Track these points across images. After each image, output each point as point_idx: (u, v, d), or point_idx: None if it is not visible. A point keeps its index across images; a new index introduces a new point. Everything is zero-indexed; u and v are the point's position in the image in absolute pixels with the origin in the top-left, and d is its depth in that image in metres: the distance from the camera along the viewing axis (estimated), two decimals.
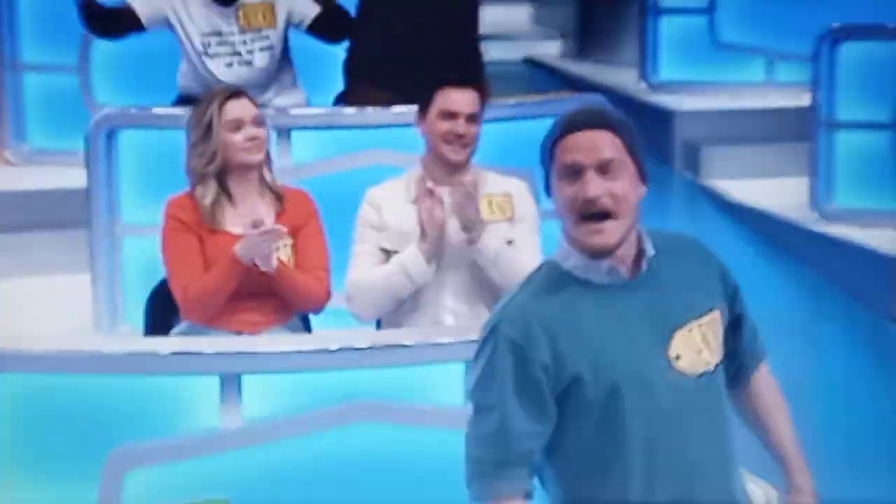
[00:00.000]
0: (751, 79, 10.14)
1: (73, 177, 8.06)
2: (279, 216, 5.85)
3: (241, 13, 8.64)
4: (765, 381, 3.64)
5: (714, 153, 9.60)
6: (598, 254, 3.38)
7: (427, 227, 5.38)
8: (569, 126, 3.40)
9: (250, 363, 4.92)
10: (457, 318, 5.54)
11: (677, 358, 3.37)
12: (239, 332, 5.71)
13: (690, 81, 10.17)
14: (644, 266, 3.42)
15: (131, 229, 7.29)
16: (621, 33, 10.82)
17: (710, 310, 3.44)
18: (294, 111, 7.64)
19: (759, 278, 8.53)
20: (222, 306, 5.90)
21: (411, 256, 5.42)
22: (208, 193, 6.03)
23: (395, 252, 5.52)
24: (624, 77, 10.52)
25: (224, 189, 6.10)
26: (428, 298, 5.57)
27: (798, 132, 8.52)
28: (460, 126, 5.40)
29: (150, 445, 4.70)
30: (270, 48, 8.81)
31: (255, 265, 5.72)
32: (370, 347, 4.99)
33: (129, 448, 4.62)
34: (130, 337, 6.74)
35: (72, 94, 9.29)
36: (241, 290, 5.88)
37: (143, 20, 8.06)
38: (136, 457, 4.64)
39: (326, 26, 8.75)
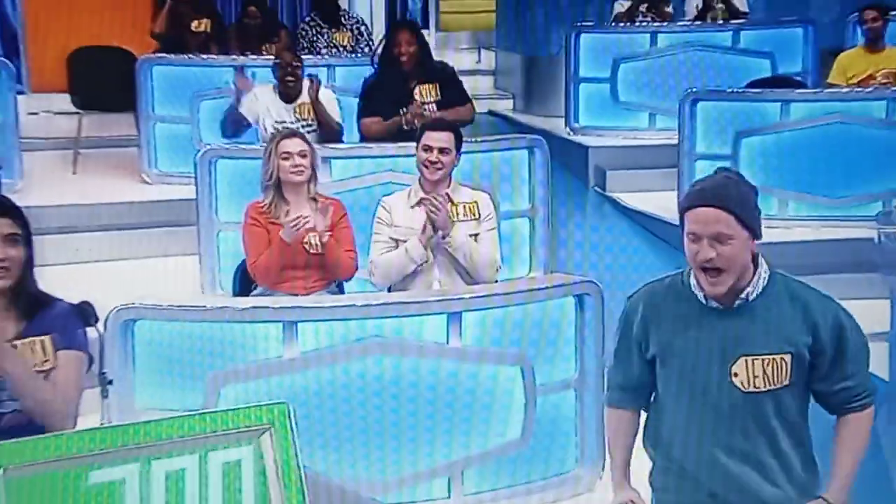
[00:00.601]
0: (639, 126, 10.00)
1: (185, 191, 7.87)
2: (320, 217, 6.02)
3: (297, 109, 8.70)
4: (852, 422, 3.27)
5: (616, 174, 9.48)
6: (718, 300, 3.25)
7: (432, 222, 5.50)
8: (693, 201, 3.24)
9: (303, 314, 5.07)
10: (441, 286, 5.62)
11: (735, 375, 3.23)
12: (294, 294, 5.83)
13: (599, 127, 10.04)
14: (737, 302, 3.24)
15: (224, 226, 7.25)
16: (553, 94, 10.64)
17: (782, 353, 3.21)
18: (332, 147, 7.57)
19: (648, 261, 8.16)
20: (281, 275, 6.02)
21: (413, 245, 5.56)
22: (269, 199, 6.18)
23: (402, 241, 5.65)
24: (555, 124, 10.37)
25: (282, 197, 6.18)
26: (423, 272, 5.66)
27: (671, 161, 8.40)
28: (433, 155, 5.56)
29: (236, 369, 4.95)
30: (315, 130, 8.90)
31: (304, 247, 5.94)
32: (383, 303, 5.19)
33: (222, 371, 4.92)
34: (224, 297, 6.72)
35: (185, 136, 9.17)
36: (296, 265, 6.03)
37: (250, 119, 8.23)
38: (227, 377, 4.92)
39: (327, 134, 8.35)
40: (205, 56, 9.93)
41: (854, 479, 3.31)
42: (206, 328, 5.10)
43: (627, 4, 10.76)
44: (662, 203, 8.37)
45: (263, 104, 8.58)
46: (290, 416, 3.34)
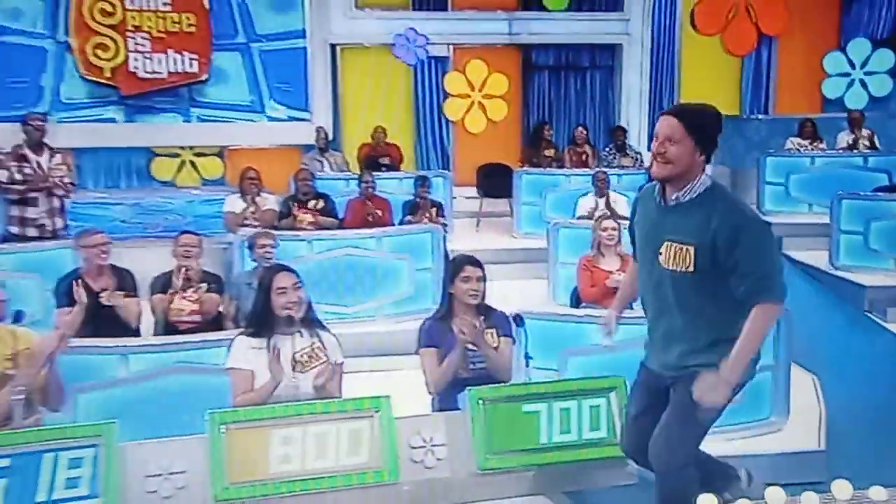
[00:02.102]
0: (802, 211, 9.61)
1: (538, 243, 7.96)
2: None
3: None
4: (752, 312, 2.86)
5: (788, 239, 8.89)
6: (658, 180, 3.02)
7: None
8: (664, 112, 3.01)
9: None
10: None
11: (660, 254, 2.99)
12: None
13: (779, 211, 9.63)
14: (671, 202, 2.99)
15: (562, 265, 7.25)
16: (749, 192, 9.79)
17: (686, 244, 2.91)
18: None
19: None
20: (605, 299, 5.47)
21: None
22: (593, 253, 5.99)
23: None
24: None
25: (599, 251, 5.98)
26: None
27: (826, 233, 8.13)
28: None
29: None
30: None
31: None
32: None
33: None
34: (561, 307, 6.51)
35: (537, 213, 9.36)
36: (606, 294, 5.61)
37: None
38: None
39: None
40: (548, 169, 10.48)
41: (747, 362, 2.93)
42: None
43: (797, 141, 10.70)
44: (820, 256, 8.14)
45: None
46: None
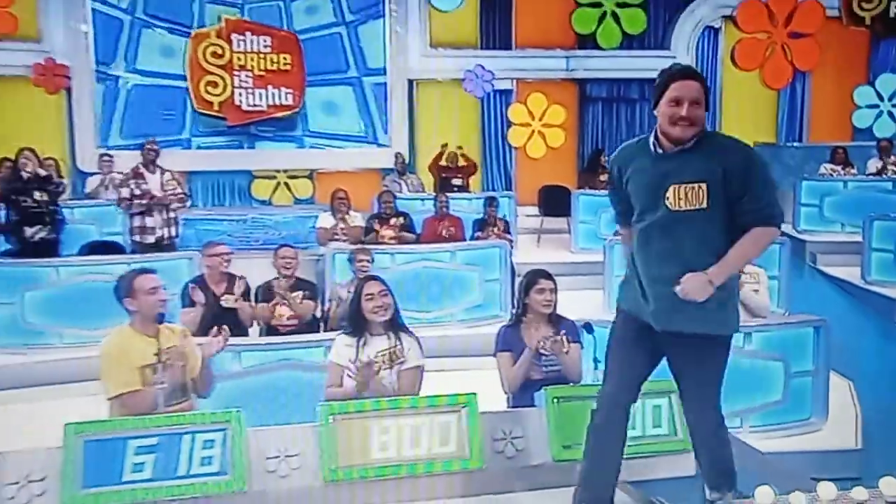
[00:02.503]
0: (835, 230, 9.50)
1: (594, 257, 7.82)
2: None
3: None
4: (753, 231, 2.71)
5: (822, 256, 8.94)
6: (683, 142, 2.76)
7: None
8: (679, 76, 2.76)
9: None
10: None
11: (667, 199, 2.76)
12: None
13: (812, 230, 9.59)
14: (674, 150, 2.78)
15: (617, 277, 6.26)
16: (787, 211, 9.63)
17: (699, 181, 2.72)
18: None
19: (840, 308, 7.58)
20: None
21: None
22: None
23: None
24: (785, 228, 9.39)
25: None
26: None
27: (858, 251, 8.09)
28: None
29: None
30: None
31: None
32: None
33: None
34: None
35: (593, 230, 9.36)
36: None
37: None
38: None
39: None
40: (602, 191, 10.08)
41: (734, 271, 2.78)
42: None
43: (830, 166, 10.56)
44: (853, 272, 8.04)
45: None
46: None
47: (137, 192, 7.30)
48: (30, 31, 10.86)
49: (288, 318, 5.66)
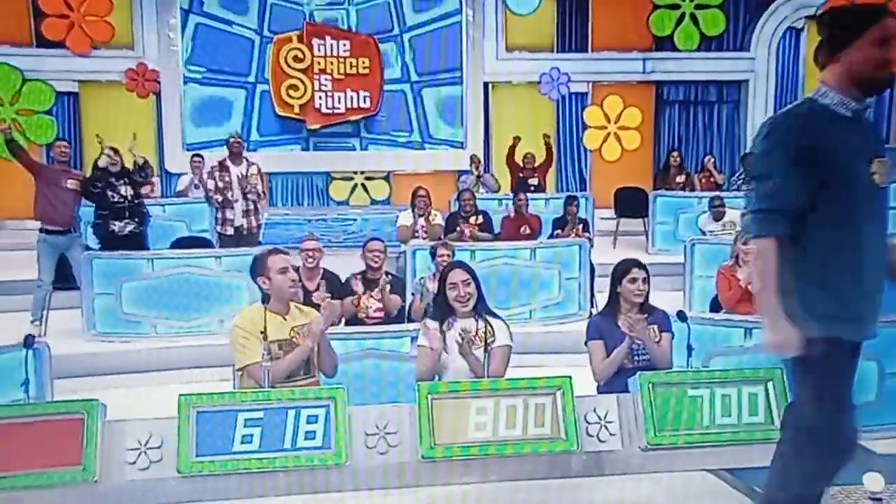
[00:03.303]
0: None
1: (675, 258, 7.71)
2: None
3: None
4: None
5: None
6: (878, 86, 2.35)
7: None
8: (885, 13, 2.32)
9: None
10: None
11: (873, 173, 2.34)
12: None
13: None
14: (860, 109, 2.37)
15: (696, 276, 7.07)
16: None
17: (886, 153, 2.40)
18: None
19: None
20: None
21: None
22: (731, 262, 5.48)
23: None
24: None
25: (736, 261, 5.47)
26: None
27: None
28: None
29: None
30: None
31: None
32: None
33: None
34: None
35: (671, 231, 9.27)
36: None
37: None
38: None
39: None
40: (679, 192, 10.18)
41: None
42: None
43: None
44: None
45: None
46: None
47: (220, 184, 7.51)
48: (124, 37, 11.22)
49: (374, 311, 5.73)
